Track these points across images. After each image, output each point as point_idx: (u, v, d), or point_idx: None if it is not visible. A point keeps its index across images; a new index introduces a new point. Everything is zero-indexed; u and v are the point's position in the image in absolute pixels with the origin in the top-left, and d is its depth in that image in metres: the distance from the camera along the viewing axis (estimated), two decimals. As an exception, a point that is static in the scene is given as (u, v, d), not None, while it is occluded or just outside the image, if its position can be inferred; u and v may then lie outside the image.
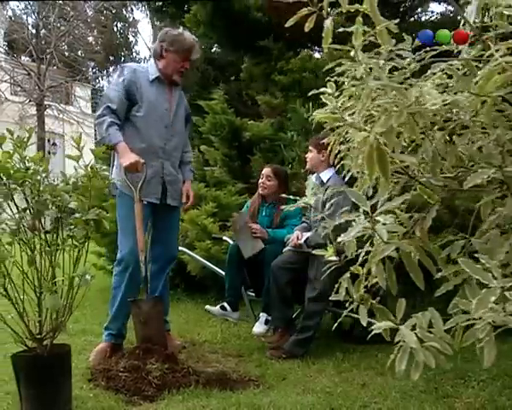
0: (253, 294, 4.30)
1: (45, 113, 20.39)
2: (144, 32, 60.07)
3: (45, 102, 20.41)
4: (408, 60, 1.37)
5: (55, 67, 21.48)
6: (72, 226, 2.72)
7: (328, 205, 3.79)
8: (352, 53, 1.40)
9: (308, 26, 1.47)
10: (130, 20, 36.75)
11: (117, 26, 36.05)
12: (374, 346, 3.96)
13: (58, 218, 2.61)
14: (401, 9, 7.34)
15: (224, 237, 4.97)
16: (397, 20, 1.53)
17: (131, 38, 37.75)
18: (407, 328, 1.32)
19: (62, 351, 2.83)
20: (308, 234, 3.89)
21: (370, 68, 1.33)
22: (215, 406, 2.89)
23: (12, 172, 2.49)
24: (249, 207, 4.42)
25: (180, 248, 4.61)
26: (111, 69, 36.79)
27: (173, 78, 3.86)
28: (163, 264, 3.88)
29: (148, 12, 35.16)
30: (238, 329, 4.46)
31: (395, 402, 2.94)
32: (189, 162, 4.13)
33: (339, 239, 1.32)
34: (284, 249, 3.99)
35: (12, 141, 2.72)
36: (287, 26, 1.56)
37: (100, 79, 36.19)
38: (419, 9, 8.05)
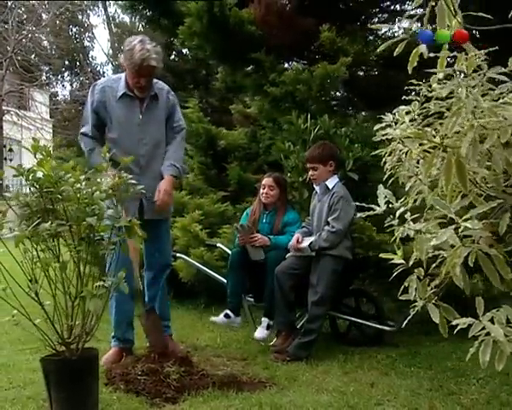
0: (252, 299, 4.41)
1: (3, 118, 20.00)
2: (101, 38, 59.66)
3: (3, 108, 20.01)
4: (475, 81, 1.54)
5: (7, 71, 21.03)
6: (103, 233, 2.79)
7: (333, 209, 3.99)
8: (439, 75, 1.56)
9: (397, 51, 1.60)
10: (86, 25, 36.40)
11: (72, 30, 35.64)
12: (371, 348, 4.15)
13: (93, 225, 2.68)
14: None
15: (218, 244, 5.07)
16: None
17: (87, 43, 37.39)
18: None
19: (91, 355, 2.88)
20: (311, 238, 4.03)
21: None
22: (238, 406, 3.00)
23: (52, 182, 2.56)
24: (249, 215, 4.53)
25: (178, 254, 4.70)
26: (66, 74, 36.34)
27: (135, 92, 3.77)
28: (157, 272, 3.95)
29: (104, 17, 35.04)
30: (235, 333, 4.56)
31: (407, 399, 3.11)
32: (171, 158, 3.90)
33: (431, 243, 1.45)
34: (287, 255, 4.13)
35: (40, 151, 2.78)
36: (395, 55, 1.65)
37: (55, 84, 35.69)
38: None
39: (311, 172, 4.15)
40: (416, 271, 1.70)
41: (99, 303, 2.58)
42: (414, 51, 1.56)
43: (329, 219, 3.98)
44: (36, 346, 4.29)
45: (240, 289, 4.29)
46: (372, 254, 4.12)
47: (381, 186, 1.81)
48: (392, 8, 8.11)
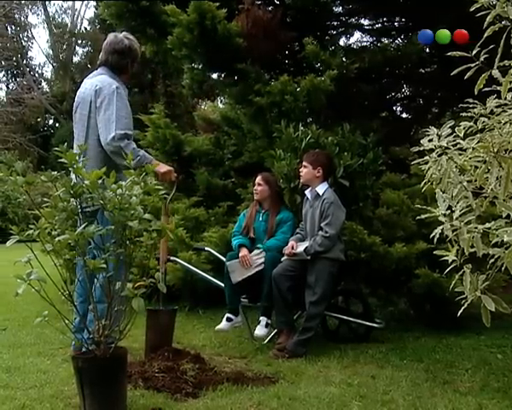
0: (246, 300, 4.59)
1: None
2: (41, 39, 58.42)
3: None
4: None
5: None
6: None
7: (324, 215, 4.24)
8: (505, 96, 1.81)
9: (468, 75, 1.83)
10: (24, 24, 35.44)
11: (7, 29, 34.62)
12: (361, 344, 4.42)
13: (128, 228, 2.81)
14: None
15: (207, 248, 5.21)
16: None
17: (24, 43, 36.36)
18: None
19: (122, 353, 3.00)
20: (306, 243, 4.26)
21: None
22: (258, 398, 3.18)
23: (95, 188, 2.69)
24: (247, 213, 4.74)
25: (173, 258, 4.82)
26: (1, 75, 35.21)
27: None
28: None
29: (44, 16, 34.31)
30: (229, 333, 4.69)
31: (409, 389, 3.37)
32: None
33: (505, 239, 1.69)
34: (283, 258, 4.35)
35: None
36: (452, 74, 1.89)
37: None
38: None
39: (301, 169, 4.43)
40: (465, 266, 1.94)
41: (142, 302, 2.71)
42: (482, 75, 1.81)
43: (322, 225, 4.22)
44: (36, 349, 4.36)
45: (238, 292, 4.47)
46: (364, 256, 4.39)
47: (438, 191, 2.03)
48: (349, 21, 8.52)
